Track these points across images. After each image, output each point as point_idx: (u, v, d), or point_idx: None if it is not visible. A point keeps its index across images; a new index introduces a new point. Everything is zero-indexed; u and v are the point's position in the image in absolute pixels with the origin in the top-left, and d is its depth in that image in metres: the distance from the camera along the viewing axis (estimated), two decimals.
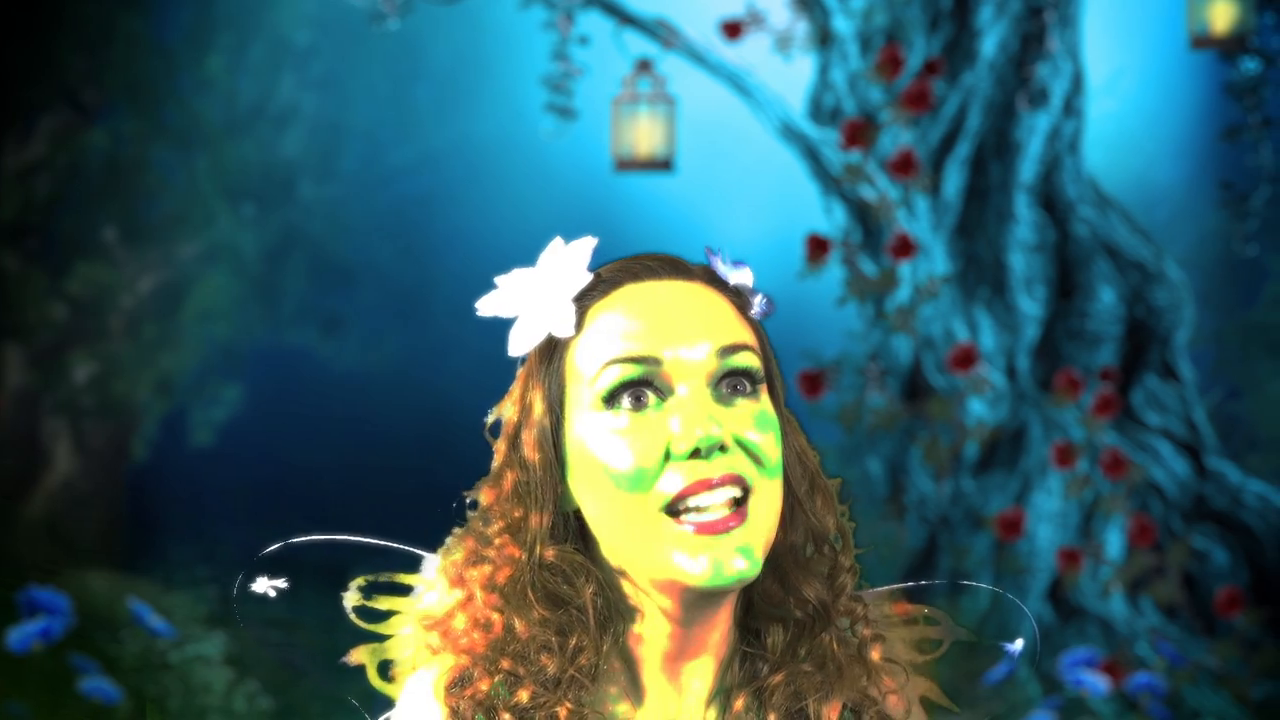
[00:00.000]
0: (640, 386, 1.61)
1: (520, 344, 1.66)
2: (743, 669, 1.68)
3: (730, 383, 1.63)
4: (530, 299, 1.66)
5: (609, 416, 1.61)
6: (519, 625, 1.63)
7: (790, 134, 7.25)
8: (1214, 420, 7.21)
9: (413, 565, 1.75)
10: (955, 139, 7.16)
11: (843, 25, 7.28)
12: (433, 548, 1.74)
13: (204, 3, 8.24)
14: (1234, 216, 7.20)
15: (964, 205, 7.17)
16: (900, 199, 7.10)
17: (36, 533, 7.89)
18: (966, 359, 6.96)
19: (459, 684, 1.64)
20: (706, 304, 1.65)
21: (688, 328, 1.62)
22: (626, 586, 1.64)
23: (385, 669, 1.73)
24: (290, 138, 8.35)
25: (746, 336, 1.65)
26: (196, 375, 8.21)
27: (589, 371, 1.62)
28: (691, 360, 1.61)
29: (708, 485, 1.58)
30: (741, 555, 1.58)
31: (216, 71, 8.23)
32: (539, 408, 1.65)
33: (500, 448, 1.68)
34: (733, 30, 7.25)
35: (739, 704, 1.67)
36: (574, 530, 1.66)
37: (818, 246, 7.09)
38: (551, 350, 1.66)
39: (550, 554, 1.64)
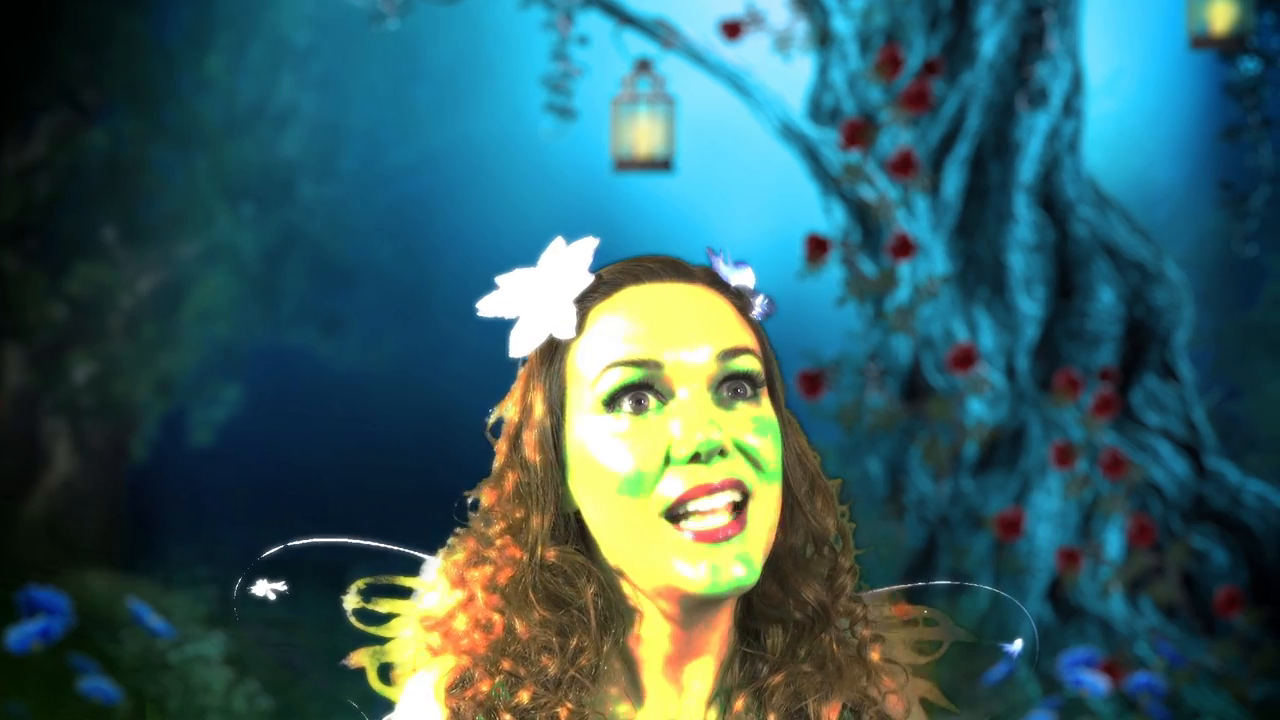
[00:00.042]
0: (641, 390, 1.61)
1: (521, 345, 1.67)
2: (743, 669, 1.68)
3: (731, 386, 1.63)
4: (531, 300, 1.66)
5: (609, 419, 1.61)
6: (520, 626, 1.63)
7: (790, 134, 7.25)
8: (1213, 420, 7.22)
9: (413, 568, 1.75)
10: (955, 139, 7.16)
11: (842, 25, 7.28)
12: (432, 548, 1.74)
13: (204, 3, 8.24)
14: (1233, 216, 7.21)
15: (963, 205, 7.17)
16: (900, 199, 7.10)
17: (36, 533, 7.89)
18: (966, 359, 6.96)
19: (459, 685, 1.64)
20: (707, 306, 1.65)
21: (688, 331, 1.62)
22: (627, 588, 1.64)
23: (386, 672, 1.73)
24: (290, 138, 8.35)
25: (747, 339, 1.65)
26: (196, 375, 8.21)
27: (590, 374, 1.62)
28: (692, 364, 1.61)
29: (708, 490, 1.58)
30: (740, 563, 1.58)
31: (216, 71, 8.23)
32: (539, 409, 1.65)
33: (502, 448, 1.68)
34: (732, 30, 7.25)
35: (739, 704, 1.67)
36: (575, 531, 1.66)
37: (817, 246, 7.09)
38: (552, 351, 1.66)
39: (551, 555, 1.64)
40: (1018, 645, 1.82)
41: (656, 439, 1.59)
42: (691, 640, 1.65)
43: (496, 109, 8.25)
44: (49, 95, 7.97)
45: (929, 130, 7.15)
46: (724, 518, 1.58)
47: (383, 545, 1.76)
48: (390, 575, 1.74)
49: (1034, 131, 7.11)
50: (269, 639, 6.70)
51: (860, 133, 7.11)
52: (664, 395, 1.61)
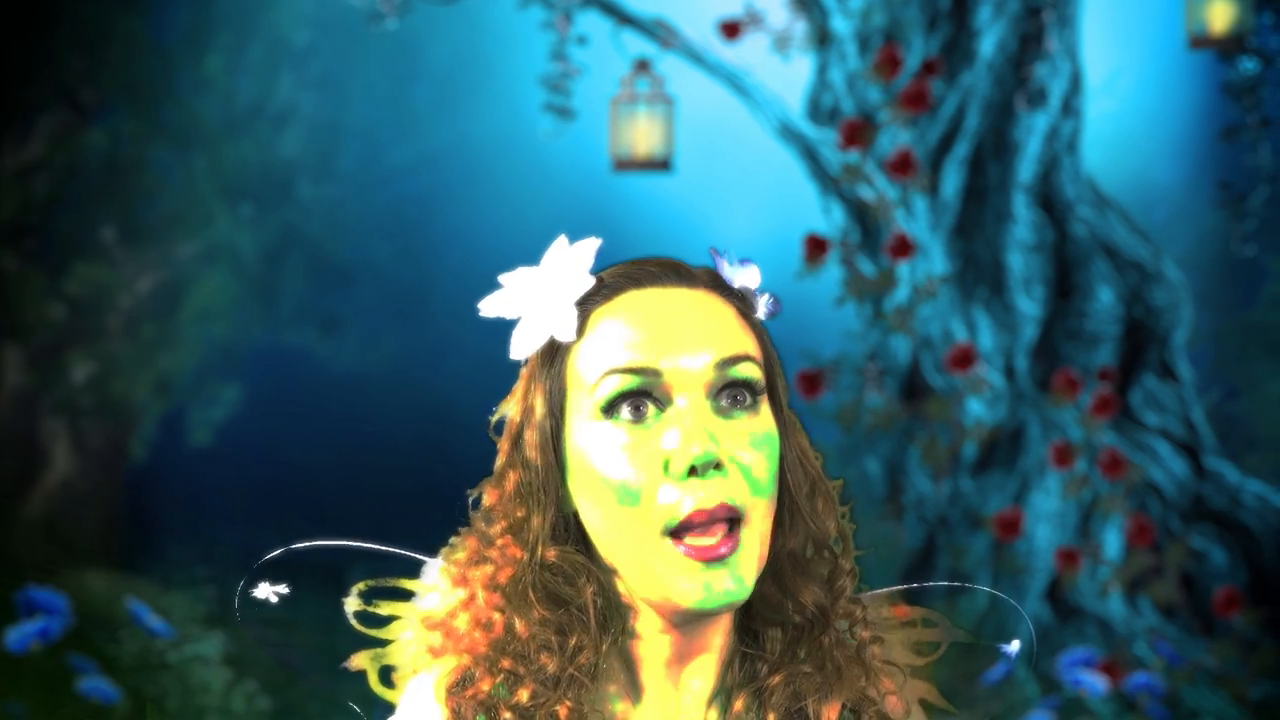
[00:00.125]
0: (639, 397, 1.61)
1: (522, 347, 1.67)
2: (742, 669, 1.69)
3: (730, 394, 1.63)
4: (533, 301, 1.66)
5: (608, 427, 1.61)
6: (520, 625, 1.63)
7: (789, 134, 7.25)
8: (1212, 420, 7.22)
9: (414, 570, 1.75)
10: (954, 139, 7.16)
11: (841, 25, 7.28)
12: (431, 548, 1.74)
13: (202, 3, 8.24)
14: (1232, 216, 7.21)
15: (962, 205, 7.17)
16: (899, 199, 7.10)
17: (35, 533, 7.89)
18: (965, 359, 6.96)
19: (460, 685, 1.64)
20: (708, 312, 1.65)
21: (688, 338, 1.62)
22: (625, 589, 1.65)
23: (386, 674, 1.73)
24: (289, 138, 8.35)
25: (748, 345, 1.65)
26: (195, 375, 8.21)
27: (589, 379, 1.62)
28: (691, 371, 1.61)
29: (704, 516, 1.58)
30: (732, 580, 1.59)
31: (215, 71, 8.23)
32: (540, 410, 1.65)
33: (504, 447, 1.69)
34: (731, 30, 7.25)
35: (739, 704, 1.67)
36: (575, 531, 1.66)
37: (816, 246, 7.09)
38: (553, 353, 1.66)
39: (552, 554, 1.64)
40: (1015, 646, 1.82)
41: (654, 451, 1.60)
42: (690, 641, 1.65)
43: (495, 109, 8.24)
44: (48, 95, 7.97)
45: (928, 130, 7.15)
46: (718, 536, 1.59)
47: (384, 548, 1.76)
48: (390, 577, 1.74)
49: (1033, 131, 7.11)
50: (268, 639, 6.70)
51: (859, 133, 7.11)
52: (662, 403, 1.61)
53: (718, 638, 1.66)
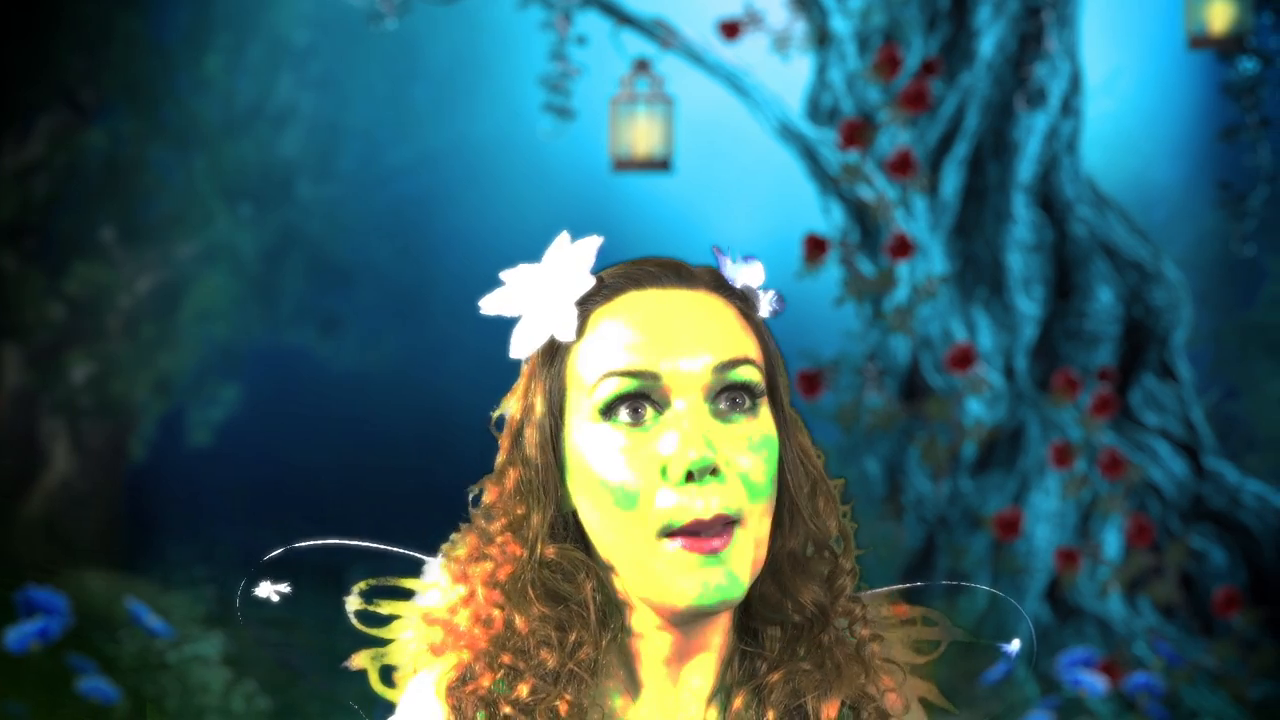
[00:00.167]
0: (638, 400, 1.61)
1: (522, 346, 1.67)
2: (742, 667, 1.69)
3: (729, 397, 1.63)
4: (533, 299, 1.66)
5: (607, 429, 1.61)
6: (519, 621, 1.64)
7: (788, 134, 7.25)
8: (1212, 420, 7.22)
9: (414, 569, 1.75)
10: (953, 139, 7.16)
11: (840, 25, 7.28)
12: (431, 548, 1.74)
13: (202, 3, 8.24)
14: (1232, 216, 7.21)
15: (962, 205, 7.17)
16: (898, 199, 7.10)
17: (34, 532, 7.89)
18: (964, 359, 6.96)
19: (461, 682, 1.64)
20: (709, 314, 1.65)
21: (687, 341, 1.62)
22: (623, 587, 1.65)
23: (387, 674, 1.73)
24: (288, 138, 8.35)
25: (747, 348, 1.65)
26: (194, 375, 8.21)
27: (588, 380, 1.63)
28: (689, 375, 1.61)
29: (700, 526, 1.59)
30: (726, 577, 1.59)
31: (215, 71, 8.23)
32: (540, 409, 1.66)
33: (504, 444, 1.69)
34: (730, 30, 7.25)
35: (738, 702, 1.67)
36: (574, 528, 1.66)
37: (816, 246, 7.09)
38: (554, 352, 1.66)
39: (551, 552, 1.65)
40: (1015, 645, 1.82)
41: (651, 455, 1.60)
42: (689, 640, 1.65)
43: (495, 109, 8.25)
44: (47, 95, 7.97)
45: (927, 130, 7.15)
46: (713, 530, 1.59)
47: (385, 547, 1.76)
48: (391, 577, 1.74)
49: (1032, 131, 7.11)
50: (267, 639, 6.70)
51: (859, 133, 7.11)
52: (661, 405, 1.61)
53: (717, 636, 1.67)
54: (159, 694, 6.33)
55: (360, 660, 1.73)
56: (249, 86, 8.30)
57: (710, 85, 7.26)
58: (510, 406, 1.69)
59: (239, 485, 7.98)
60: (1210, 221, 7.46)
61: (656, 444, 1.60)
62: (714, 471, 1.59)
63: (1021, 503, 6.97)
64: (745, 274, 1.70)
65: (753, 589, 1.66)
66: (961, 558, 6.99)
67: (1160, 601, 6.90)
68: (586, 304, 1.65)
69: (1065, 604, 6.91)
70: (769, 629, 1.68)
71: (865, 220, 7.16)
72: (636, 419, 1.61)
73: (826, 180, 7.20)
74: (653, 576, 1.60)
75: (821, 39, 7.31)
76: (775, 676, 1.67)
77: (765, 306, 1.70)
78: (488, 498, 1.69)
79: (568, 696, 1.62)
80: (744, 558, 1.60)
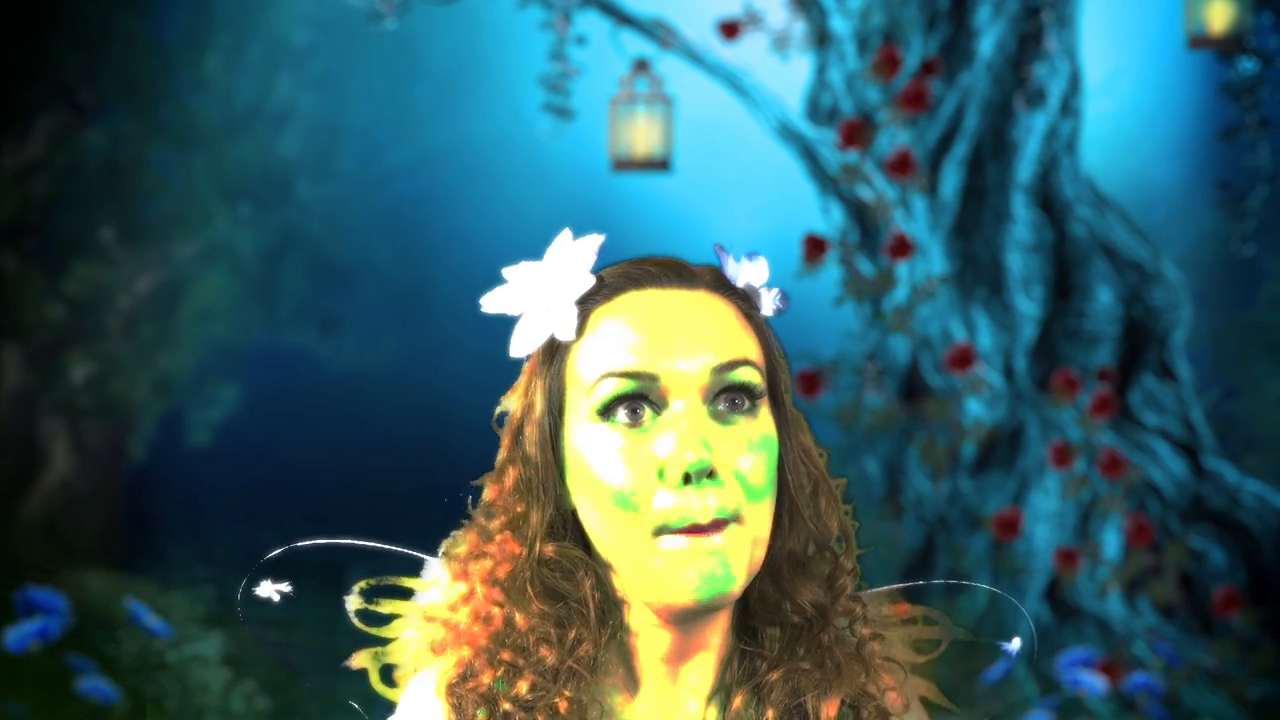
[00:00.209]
0: (636, 400, 1.61)
1: (522, 345, 1.67)
2: (741, 667, 1.69)
3: (728, 398, 1.63)
4: (534, 298, 1.66)
5: (605, 430, 1.61)
6: (519, 618, 1.64)
7: (788, 134, 7.25)
8: (1211, 420, 7.22)
9: (414, 569, 1.75)
10: (953, 139, 7.16)
11: (840, 25, 7.28)
12: (430, 548, 1.74)
13: (202, 3, 8.24)
14: (1231, 216, 7.21)
15: (961, 205, 7.17)
16: (898, 199, 7.10)
17: (34, 532, 7.89)
18: (964, 359, 6.96)
19: (461, 680, 1.64)
20: (708, 315, 1.65)
21: (686, 342, 1.62)
22: (622, 584, 1.65)
23: (388, 673, 1.73)
24: (288, 137, 8.35)
25: (747, 349, 1.65)
26: (194, 375, 8.21)
27: (587, 380, 1.63)
28: (688, 376, 1.61)
29: (696, 531, 1.59)
30: (721, 569, 1.59)
31: (214, 71, 8.23)
32: (540, 407, 1.66)
33: (505, 442, 1.69)
34: (730, 30, 7.25)
35: (738, 701, 1.68)
36: (573, 526, 1.66)
37: (815, 246, 7.09)
38: (554, 351, 1.66)
39: (550, 550, 1.65)
40: (1016, 644, 1.83)
41: (649, 456, 1.60)
42: (688, 639, 1.65)
43: (494, 109, 8.25)
44: (47, 95, 7.97)
45: (927, 130, 7.15)
46: (710, 529, 1.59)
47: (386, 546, 1.76)
48: (390, 576, 1.74)
49: (1032, 131, 7.11)
50: (267, 639, 6.69)
51: (858, 133, 7.11)
52: (659, 406, 1.61)
53: (715, 636, 1.67)
54: (158, 694, 6.33)
55: (361, 659, 1.73)
56: (249, 86, 8.30)
57: (710, 85, 7.26)
58: (511, 404, 1.69)
59: (239, 485, 7.98)
60: (1210, 221, 7.46)
61: (654, 445, 1.60)
62: (711, 474, 1.59)
63: (1021, 503, 6.97)
64: (749, 272, 1.69)
65: (752, 589, 1.66)
66: (961, 558, 6.99)
67: (1160, 601, 6.91)
68: (587, 303, 1.65)
69: (1065, 604, 6.91)
70: (768, 629, 1.68)
71: (865, 220, 7.16)
72: (635, 420, 1.61)
73: (826, 180, 7.20)
74: (650, 574, 1.60)
75: (821, 39, 7.31)
76: (775, 676, 1.67)
77: (769, 305, 1.70)
78: (488, 495, 1.69)
79: (567, 694, 1.62)
80: (741, 554, 1.60)
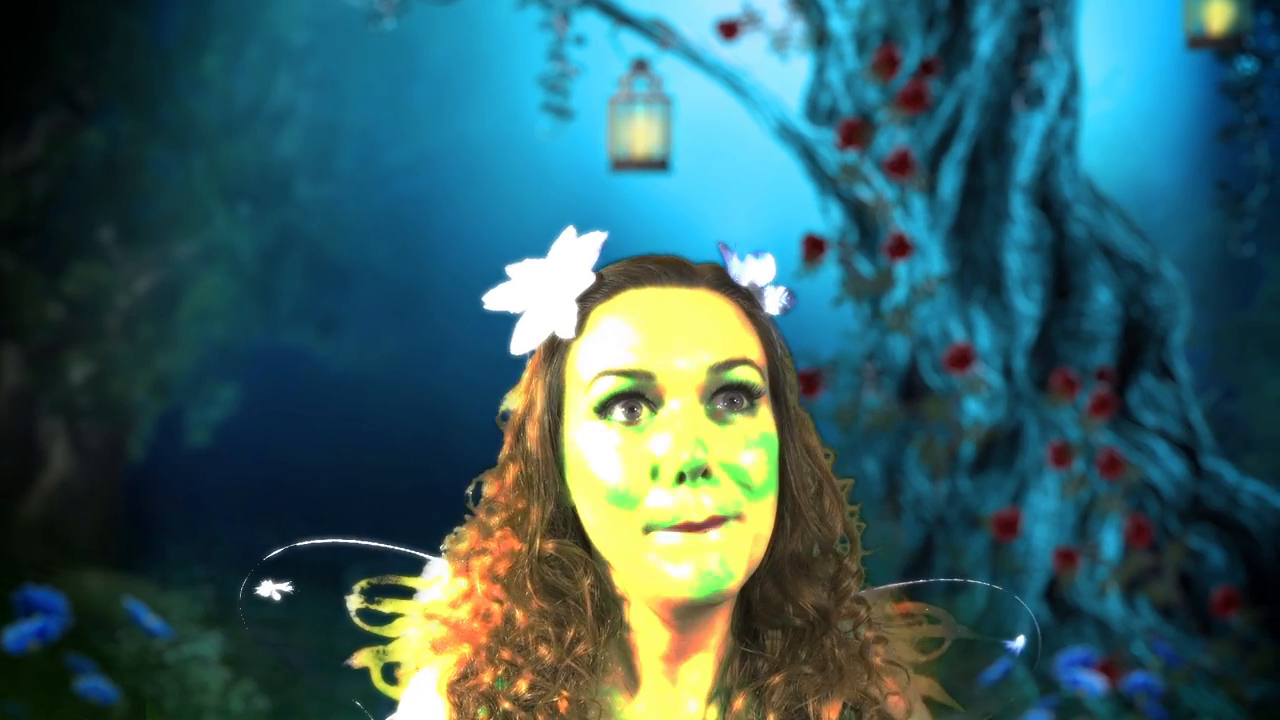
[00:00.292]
0: (633, 399, 1.61)
1: (523, 343, 1.67)
2: (742, 668, 1.69)
3: (726, 397, 1.62)
4: (536, 295, 1.66)
5: (602, 428, 1.61)
6: (519, 615, 1.64)
7: (787, 134, 7.25)
8: (1210, 420, 7.22)
9: (414, 568, 1.75)
10: (951, 139, 7.16)
11: (839, 25, 7.28)
12: (429, 547, 1.74)
13: (200, 3, 8.24)
14: (1230, 216, 7.21)
15: (960, 205, 7.17)
16: (897, 199, 7.10)
17: (33, 532, 7.89)
18: (963, 359, 6.96)
19: (462, 679, 1.64)
20: (708, 313, 1.64)
21: (684, 340, 1.62)
22: (621, 582, 1.65)
23: (389, 671, 1.73)
24: (287, 138, 8.35)
25: (746, 347, 1.64)
26: (193, 375, 8.21)
27: (585, 377, 1.63)
28: (684, 375, 1.61)
29: (690, 528, 1.58)
30: (720, 566, 1.58)
31: (213, 71, 8.23)
32: (540, 405, 1.66)
33: (507, 439, 1.69)
34: (729, 30, 7.25)
35: (739, 703, 1.67)
36: (574, 524, 1.66)
37: (814, 246, 7.09)
38: (554, 349, 1.66)
39: (550, 547, 1.65)
40: (1020, 642, 1.82)
41: (644, 454, 1.60)
42: (686, 638, 1.65)
43: (493, 109, 8.25)
44: (46, 95, 7.96)
45: (926, 130, 7.15)
46: (707, 525, 1.59)
47: (387, 546, 1.76)
48: (389, 575, 1.74)
49: (1031, 131, 7.11)
50: (266, 639, 6.69)
51: (857, 133, 7.11)
52: (655, 405, 1.61)
53: (713, 637, 1.66)
54: (157, 694, 6.33)
55: (363, 658, 1.73)
56: (247, 86, 8.30)
57: (709, 85, 7.26)
58: (514, 402, 1.69)
59: (237, 485, 7.98)
60: (1209, 221, 7.46)
61: (650, 443, 1.60)
62: (706, 473, 1.58)
63: (1020, 503, 6.97)
64: (755, 270, 1.69)
65: (754, 590, 1.66)
66: (960, 558, 6.98)
67: (1159, 601, 6.91)
68: (587, 301, 1.65)
69: (1064, 604, 6.91)
70: (770, 631, 1.68)
71: (864, 220, 7.16)
72: (631, 418, 1.61)
73: (825, 180, 7.20)
74: (645, 570, 1.60)
75: (820, 39, 7.31)
76: (776, 679, 1.66)
77: (775, 303, 1.69)
78: (489, 491, 1.69)
79: (566, 693, 1.62)
80: (740, 551, 1.59)
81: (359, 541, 1.77)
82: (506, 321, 1.67)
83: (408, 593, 1.75)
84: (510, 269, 1.67)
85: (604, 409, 1.61)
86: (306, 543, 1.77)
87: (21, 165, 7.91)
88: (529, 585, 1.64)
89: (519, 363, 1.70)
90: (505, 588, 1.65)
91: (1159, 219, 7.61)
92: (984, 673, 5.78)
